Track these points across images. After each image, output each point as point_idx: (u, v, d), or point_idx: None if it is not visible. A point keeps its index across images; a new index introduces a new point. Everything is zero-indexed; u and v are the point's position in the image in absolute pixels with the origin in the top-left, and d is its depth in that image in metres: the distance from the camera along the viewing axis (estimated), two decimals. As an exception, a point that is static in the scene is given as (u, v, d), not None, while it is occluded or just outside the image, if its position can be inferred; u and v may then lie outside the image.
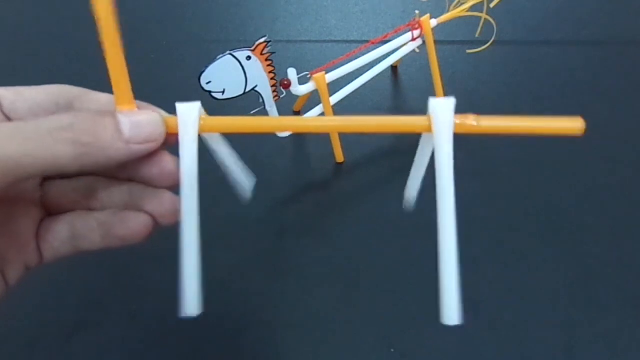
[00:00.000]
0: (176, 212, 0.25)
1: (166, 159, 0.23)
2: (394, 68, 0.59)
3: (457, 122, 0.24)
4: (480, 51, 0.51)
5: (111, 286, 0.41)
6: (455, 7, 0.50)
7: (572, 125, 0.22)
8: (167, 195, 0.25)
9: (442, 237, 0.24)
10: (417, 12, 0.49)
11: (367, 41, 0.48)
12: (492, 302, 0.39)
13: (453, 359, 0.36)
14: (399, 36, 0.49)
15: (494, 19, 0.49)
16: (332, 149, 0.48)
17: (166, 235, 0.44)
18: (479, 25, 0.50)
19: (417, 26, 0.49)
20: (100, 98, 0.24)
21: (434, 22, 0.49)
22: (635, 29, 0.63)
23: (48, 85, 0.24)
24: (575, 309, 0.39)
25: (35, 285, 0.40)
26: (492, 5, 0.48)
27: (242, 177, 0.27)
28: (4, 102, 0.23)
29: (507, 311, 0.39)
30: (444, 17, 0.50)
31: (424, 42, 0.50)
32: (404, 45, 0.50)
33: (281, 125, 0.27)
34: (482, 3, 0.48)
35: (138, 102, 0.24)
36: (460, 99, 0.58)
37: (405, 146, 0.51)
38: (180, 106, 0.24)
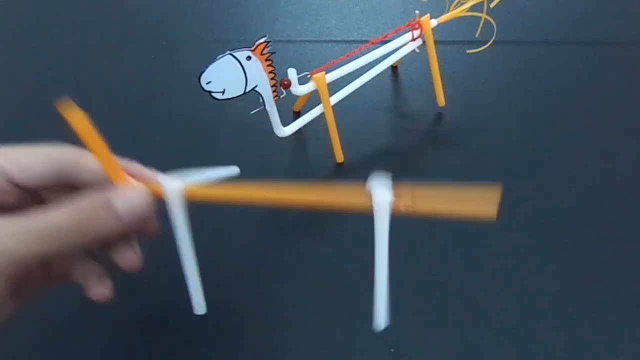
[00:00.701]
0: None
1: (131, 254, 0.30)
2: (394, 68, 0.59)
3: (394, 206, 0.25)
4: (480, 51, 0.51)
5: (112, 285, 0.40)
6: (455, 7, 0.50)
7: (487, 210, 0.25)
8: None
9: (377, 274, 0.29)
10: (417, 12, 0.49)
11: (367, 41, 0.48)
12: (492, 302, 0.39)
13: (452, 359, 0.36)
14: (399, 36, 0.49)
15: (494, 19, 0.49)
16: (332, 149, 0.48)
17: (165, 238, 0.44)
18: (479, 25, 0.50)
19: (417, 26, 0.49)
20: (89, 165, 0.28)
21: (434, 22, 0.49)
22: (635, 29, 0.63)
23: (46, 148, 0.28)
24: (575, 309, 0.39)
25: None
26: (492, 5, 0.48)
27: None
28: (14, 175, 0.27)
29: (507, 311, 0.39)
30: (444, 17, 0.50)
31: (424, 42, 0.50)
32: (404, 45, 0.50)
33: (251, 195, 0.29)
34: (482, 3, 0.48)
35: (125, 163, 0.28)
36: (460, 99, 0.59)
37: (405, 146, 0.51)
38: (165, 183, 0.27)
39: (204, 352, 0.37)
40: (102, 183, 0.28)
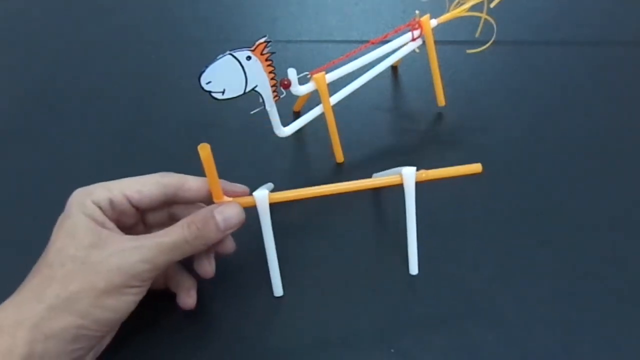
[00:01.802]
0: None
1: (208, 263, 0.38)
2: (394, 68, 0.59)
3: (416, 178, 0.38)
4: (480, 51, 0.51)
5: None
6: (455, 7, 0.50)
7: (475, 170, 0.38)
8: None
9: (409, 232, 0.40)
10: (417, 12, 0.49)
11: (367, 41, 0.48)
12: (492, 302, 0.39)
13: (452, 359, 0.36)
14: (399, 36, 0.49)
15: (494, 19, 0.48)
16: (332, 149, 0.48)
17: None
18: (479, 25, 0.50)
19: (417, 26, 0.49)
20: (192, 186, 0.36)
21: (434, 22, 0.49)
22: (635, 29, 0.63)
23: (155, 176, 0.36)
24: (575, 309, 0.39)
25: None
26: (492, 5, 0.48)
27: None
28: (132, 200, 0.35)
29: (507, 311, 0.39)
30: (444, 17, 0.50)
31: (424, 42, 0.50)
32: (404, 45, 0.50)
33: (320, 192, 0.38)
34: (482, 3, 0.48)
35: (225, 183, 0.37)
36: (460, 99, 0.59)
37: (405, 146, 0.51)
38: (256, 194, 0.37)
39: (204, 351, 0.37)
40: (199, 199, 0.37)
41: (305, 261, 0.42)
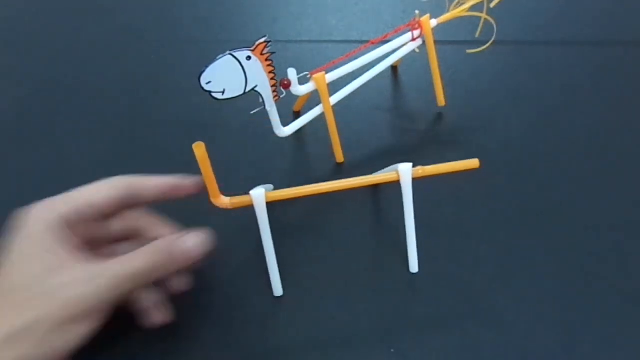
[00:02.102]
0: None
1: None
2: (394, 68, 0.59)
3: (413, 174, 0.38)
4: (480, 51, 0.51)
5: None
6: (455, 7, 0.50)
7: (472, 165, 0.38)
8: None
9: (408, 229, 0.40)
10: (417, 12, 0.49)
11: (367, 41, 0.48)
12: (492, 302, 0.39)
13: (452, 359, 0.36)
14: (399, 36, 0.49)
15: (494, 19, 0.48)
16: (332, 149, 0.48)
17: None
18: (479, 25, 0.50)
19: (417, 26, 0.49)
20: (150, 186, 0.36)
21: (434, 22, 0.49)
22: (635, 29, 0.63)
23: (111, 180, 0.35)
24: (575, 309, 0.39)
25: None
26: (492, 5, 0.48)
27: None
28: (96, 206, 0.34)
29: (507, 311, 0.39)
30: (444, 17, 0.50)
31: (424, 42, 0.50)
32: (404, 45, 0.50)
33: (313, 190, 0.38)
34: (482, 3, 0.48)
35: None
36: (460, 99, 0.59)
37: (405, 146, 0.51)
38: (253, 192, 0.37)
39: (204, 351, 0.37)
40: (160, 197, 0.36)
41: (304, 261, 0.42)
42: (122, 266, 0.31)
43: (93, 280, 0.30)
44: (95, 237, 0.35)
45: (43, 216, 0.31)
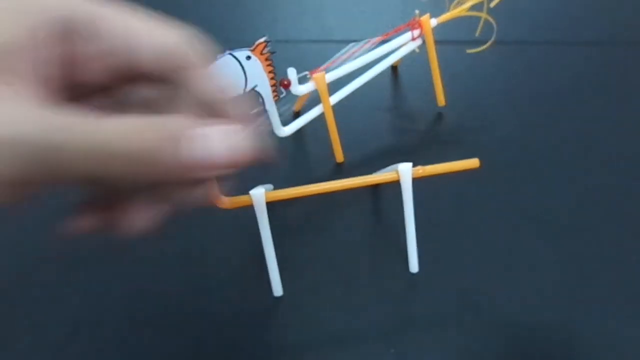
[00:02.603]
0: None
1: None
2: (394, 68, 0.59)
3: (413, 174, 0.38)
4: (480, 51, 0.51)
5: (111, 287, 0.40)
6: (455, 7, 0.50)
7: (472, 165, 0.38)
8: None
9: (407, 229, 0.40)
10: (417, 12, 0.49)
11: (367, 41, 0.48)
12: (492, 302, 0.39)
13: (452, 359, 0.36)
14: (399, 36, 0.49)
15: (494, 19, 0.48)
16: (332, 149, 0.48)
17: (166, 237, 0.44)
18: (479, 25, 0.50)
19: (417, 26, 0.49)
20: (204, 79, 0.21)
21: (434, 22, 0.49)
22: (635, 29, 0.63)
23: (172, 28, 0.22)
24: (576, 308, 0.39)
25: (35, 285, 0.40)
26: (492, 5, 0.48)
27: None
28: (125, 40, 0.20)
29: (507, 311, 0.39)
30: (444, 17, 0.50)
31: (424, 41, 0.50)
32: (404, 45, 0.50)
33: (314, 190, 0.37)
34: (482, 3, 0.48)
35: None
36: (460, 99, 0.59)
37: (405, 146, 0.51)
38: (253, 192, 0.36)
39: (204, 351, 0.37)
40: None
41: (304, 261, 0.42)
42: (95, 130, 0.17)
43: (33, 125, 0.16)
44: (87, 79, 0.20)
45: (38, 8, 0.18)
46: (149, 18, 0.21)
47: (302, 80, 0.44)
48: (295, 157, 0.50)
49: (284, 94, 0.41)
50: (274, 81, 0.39)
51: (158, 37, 0.20)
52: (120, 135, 0.17)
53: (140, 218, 0.21)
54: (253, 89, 0.38)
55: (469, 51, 0.53)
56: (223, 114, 0.21)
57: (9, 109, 0.16)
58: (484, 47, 0.50)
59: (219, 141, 0.18)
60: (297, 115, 0.52)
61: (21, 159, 0.16)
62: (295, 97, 0.46)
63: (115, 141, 0.17)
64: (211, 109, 0.21)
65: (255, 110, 0.40)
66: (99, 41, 0.19)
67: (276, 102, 0.41)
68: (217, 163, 0.18)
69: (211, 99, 0.21)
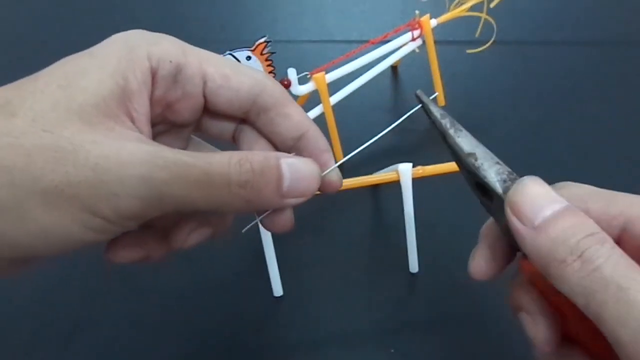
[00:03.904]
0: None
1: (288, 217, 0.23)
2: (393, 68, 0.59)
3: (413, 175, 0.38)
4: (480, 51, 0.51)
5: (111, 286, 0.40)
6: (455, 7, 0.50)
7: None
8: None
9: (407, 229, 0.39)
10: (417, 12, 0.49)
11: (367, 41, 0.48)
12: (492, 302, 0.39)
13: (452, 359, 0.36)
14: (399, 36, 0.49)
15: (494, 19, 0.48)
16: (332, 149, 0.48)
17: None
18: (479, 25, 0.50)
19: (417, 26, 0.49)
20: (292, 115, 0.23)
21: (434, 22, 0.49)
22: (635, 29, 0.63)
23: (255, 72, 0.23)
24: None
25: (34, 285, 0.40)
26: (492, 5, 0.48)
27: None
28: (209, 84, 0.22)
29: (507, 311, 0.39)
30: (444, 17, 0.50)
31: (424, 42, 0.50)
32: (403, 45, 0.50)
33: None
34: (482, 3, 0.48)
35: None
36: (460, 99, 0.59)
37: (405, 147, 0.51)
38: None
39: (204, 351, 0.37)
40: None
41: (304, 261, 0.42)
42: (191, 158, 0.19)
43: (154, 163, 0.18)
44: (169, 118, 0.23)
45: (134, 43, 0.21)
46: (229, 63, 0.23)
47: (302, 81, 0.44)
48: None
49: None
50: (274, 81, 0.39)
51: (239, 82, 0.22)
52: (224, 167, 0.19)
53: (188, 240, 0.24)
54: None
55: (469, 51, 0.53)
56: (294, 151, 0.24)
57: (135, 149, 0.18)
58: (484, 47, 0.50)
59: (309, 171, 0.22)
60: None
61: (146, 192, 0.18)
62: (296, 97, 0.46)
63: (218, 169, 0.19)
64: (283, 146, 0.24)
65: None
66: (184, 85, 0.22)
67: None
68: (307, 191, 0.22)
69: (296, 135, 0.23)
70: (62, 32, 0.67)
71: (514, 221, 0.20)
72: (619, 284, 0.16)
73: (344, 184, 0.37)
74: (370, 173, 0.44)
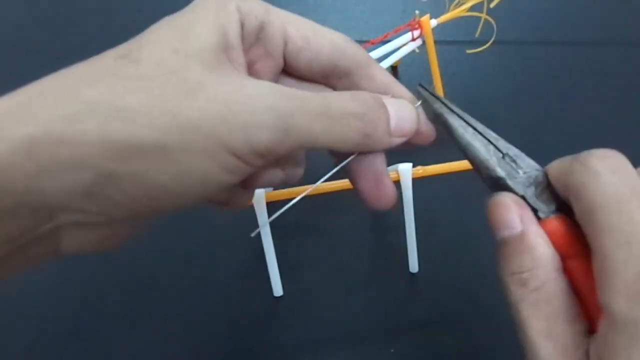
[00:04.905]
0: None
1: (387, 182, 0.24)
2: (394, 68, 0.59)
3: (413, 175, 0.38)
4: (480, 51, 0.51)
5: (111, 287, 0.41)
6: (455, 7, 0.50)
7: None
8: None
9: (407, 229, 0.39)
10: (417, 12, 0.49)
11: (367, 41, 0.48)
12: (492, 302, 0.39)
13: (453, 359, 0.36)
14: (399, 36, 0.49)
15: (494, 19, 0.49)
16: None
17: (166, 237, 0.44)
18: (479, 25, 0.50)
19: (417, 26, 0.49)
20: (375, 75, 0.24)
21: (434, 22, 0.49)
22: (635, 29, 0.63)
23: (335, 35, 0.23)
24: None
25: (34, 286, 0.40)
26: (492, 5, 0.48)
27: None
28: (290, 46, 0.22)
29: (507, 311, 0.39)
30: (444, 17, 0.50)
31: (424, 42, 0.50)
32: (404, 45, 0.50)
33: None
34: (482, 3, 0.48)
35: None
36: (460, 99, 0.59)
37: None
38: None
39: (204, 352, 0.37)
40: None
41: (304, 261, 0.42)
42: (321, 96, 0.20)
43: (278, 96, 0.19)
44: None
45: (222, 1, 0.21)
46: (310, 24, 0.23)
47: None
48: (295, 157, 0.50)
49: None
50: (274, 81, 0.39)
51: (319, 44, 0.23)
52: (340, 100, 0.20)
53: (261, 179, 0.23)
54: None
55: (469, 51, 0.53)
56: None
57: (258, 84, 0.19)
58: (484, 47, 0.50)
59: (410, 111, 0.23)
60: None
61: (274, 122, 0.18)
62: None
63: (337, 105, 0.20)
64: None
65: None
66: (266, 44, 0.22)
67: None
68: (409, 131, 0.23)
69: (386, 86, 0.24)
70: (62, 32, 0.67)
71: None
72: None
73: (345, 184, 0.38)
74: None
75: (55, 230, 0.18)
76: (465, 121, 0.25)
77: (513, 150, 0.25)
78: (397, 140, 0.23)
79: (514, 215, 0.21)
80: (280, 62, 0.23)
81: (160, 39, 0.19)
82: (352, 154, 0.23)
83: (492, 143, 0.25)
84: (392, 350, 0.37)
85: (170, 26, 0.20)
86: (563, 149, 0.53)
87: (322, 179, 0.25)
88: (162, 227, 0.39)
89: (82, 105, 0.17)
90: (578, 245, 0.19)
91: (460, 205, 0.45)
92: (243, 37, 0.21)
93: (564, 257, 0.20)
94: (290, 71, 0.23)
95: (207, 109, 0.18)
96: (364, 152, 0.23)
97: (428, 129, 0.26)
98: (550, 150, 0.51)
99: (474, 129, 0.25)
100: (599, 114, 0.53)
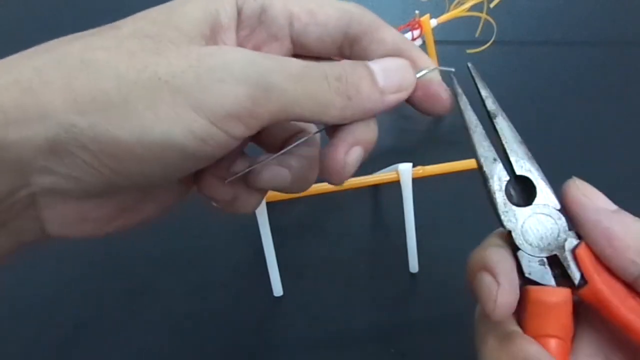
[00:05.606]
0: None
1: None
2: (394, 68, 0.59)
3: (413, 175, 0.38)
4: (480, 51, 0.51)
5: (111, 286, 0.41)
6: (455, 7, 0.50)
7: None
8: None
9: (407, 229, 0.39)
10: (417, 12, 0.49)
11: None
12: (492, 302, 0.39)
13: (452, 359, 0.36)
14: (399, 36, 0.49)
15: (494, 19, 0.49)
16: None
17: (166, 237, 0.44)
18: (479, 25, 0.50)
19: (417, 26, 0.49)
20: (386, 39, 0.22)
21: (434, 22, 0.49)
22: (635, 29, 0.63)
23: (340, 2, 0.22)
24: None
25: (34, 286, 0.40)
26: (492, 5, 0.48)
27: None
28: (296, 25, 0.22)
29: (507, 311, 0.39)
30: (444, 17, 0.50)
31: (424, 42, 0.50)
32: (404, 45, 0.50)
33: None
34: (482, 3, 0.48)
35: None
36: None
37: (405, 147, 0.51)
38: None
39: (204, 351, 0.37)
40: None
41: (304, 261, 0.42)
42: (301, 60, 0.19)
43: (258, 54, 0.19)
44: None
45: None
46: None
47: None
48: (295, 157, 0.50)
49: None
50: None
51: (325, 15, 0.22)
52: (319, 64, 0.19)
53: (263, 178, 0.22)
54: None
55: (469, 51, 0.53)
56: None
57: (238, 49, 0.19)
58: (484, 47, 0.50)
59: (397, 63, 0.22)
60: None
61: (254, 79, 0.17)
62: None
63: (317, 67, 0.19)
64: None
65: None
66: (269, 26, 0.21)
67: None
68: (403, 83, 0.22)
69: (399, 49, 0.22)
70: (62, 31, 0.67)
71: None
72: None
73: (345, 184, 0.37)
74: (370, 173, 0.44)
75: (32, 199, 0.18)
76: (493, 125, 0.25)
77: (533, 174, 0.24)
78: (393, 97, 0.22)
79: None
80: (288, 45, 0.22)
81: (147, 14, 0.19)
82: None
83: (507, 158, 0.24)
84: (392, 350, 0.37)
85: (162, 6, 0.20)
86: (563, 148, 0.54)
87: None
88: (162, 227, 0.39)
89: (53, 58, 0.17)
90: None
91: (460, 205, 0.45)
92: (242, 21, 0.21)
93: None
94: (302, 53, 0.22)
95: (177, 65, 0.17)
96: (358, 119, 0.22)
97: (440, 90, 0.24)
98: (551, 150, 0.52)
99: (496, 132, 0.24)
100: (599, 113, 0.53)
